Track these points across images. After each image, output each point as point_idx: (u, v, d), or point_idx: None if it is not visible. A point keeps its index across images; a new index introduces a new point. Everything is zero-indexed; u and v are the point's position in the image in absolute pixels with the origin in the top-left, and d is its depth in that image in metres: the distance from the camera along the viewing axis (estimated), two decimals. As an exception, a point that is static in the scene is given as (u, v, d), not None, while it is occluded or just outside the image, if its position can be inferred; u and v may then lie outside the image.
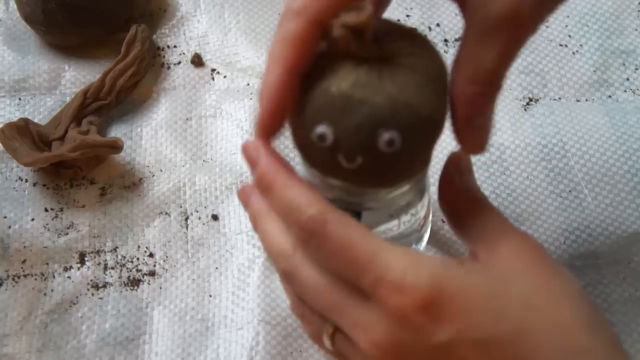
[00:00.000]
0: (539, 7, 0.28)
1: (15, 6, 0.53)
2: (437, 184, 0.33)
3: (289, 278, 0.30)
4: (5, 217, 0.46)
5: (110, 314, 0.43)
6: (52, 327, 0.43)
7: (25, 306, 0.43)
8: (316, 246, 0.28)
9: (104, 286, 0.44)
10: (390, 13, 0.46)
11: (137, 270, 0.45)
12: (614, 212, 0.45)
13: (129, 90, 0.51)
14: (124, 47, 0.51)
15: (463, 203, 0.31)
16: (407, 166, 0.29)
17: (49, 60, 0.53)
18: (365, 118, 0.26)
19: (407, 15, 0.54)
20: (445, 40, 0.53)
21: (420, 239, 0.38)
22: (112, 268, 0.45)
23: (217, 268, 0.45)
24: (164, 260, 0.45)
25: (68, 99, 0.51)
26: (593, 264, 0.43)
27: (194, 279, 0.44)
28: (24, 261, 0.45)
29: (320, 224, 0.27)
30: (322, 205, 0.27)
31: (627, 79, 0.51)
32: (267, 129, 0.29)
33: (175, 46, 0.53)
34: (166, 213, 0.46)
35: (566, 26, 0.53)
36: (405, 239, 0.36)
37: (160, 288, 0.44)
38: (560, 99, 0.50)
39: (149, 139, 0.49)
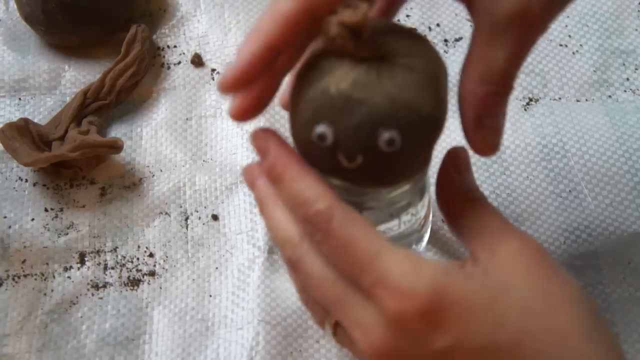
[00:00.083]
0: (548, 6, 0.28)
1: (15, 6, 0.53)
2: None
3: (294, 266, 0.30)
4: (5, 217, 0.46)
5: (110, 314, 0.43)
6: (52, 327, 0.43)
7: (25, 306, 0.43)
8: (321, 241, 0.28)
9: (104, 286, 0.44)
10: (390, 13, 0.46)
11: (137, 270, 0.45)
12: (614, 212, 0.45)
13: (129, 90, 0.51)
14: (124, 47, 0.51)
15: (462, 202, 0.31)
16: (407, 166, 0.29)
17: (49, 60, 0.53)
18: (365, 118, 0.26)
19: (407, 15, 0.54)
20: (445, 40, 0.53)
21: (420, 238, 0.38)
22: (112, 268, 0.45)
23: (217, 268, 0.45)
24: (164, 260, 0.45)
25: (68, 99, 0.51)
26: (593, 264, 0.43)
27: (194, 279, 0.44)
28: (24, 261, 0.45)
29: (326, 220, 0.27)
30: (330, 200, 0.27)
31: (627, 79, 0.51)
32: (226, 87, 0.28)
33: (175, 46, 0.53)
34: (166, 213, 0.46)
35: (566, 26, 0.53)
36: (406, 238, 0.36)
37: (160, 288, 0.44)
38: (560, 99, 0.50)
39: (149, 139, 0.49)
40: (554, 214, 0.45)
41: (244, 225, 0.46)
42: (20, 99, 0.51)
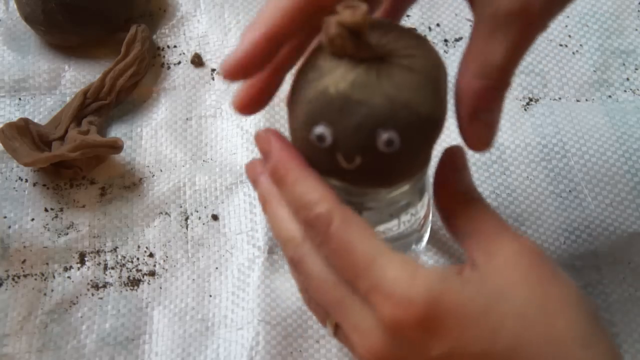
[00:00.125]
0: (548, 4, 0.28)
1: (15, 6, 0.53)
2: None
3: (296, 266, 0.30)
4: (5, 217, 0.46)
5: (110, 314, 0.43)
6: (52, 327, 0.43)
7: (25, 306, 0.43)
8: (320, 244, 0.28)
9: (104, 286, 0.44)
10: (390, 13, 0.46)
11: (137, 270, 0.45)
12: (614, 212, 0.45)
13: (129, 90, 0.51)
14: (124, 47, 0.51)
15: (458, 203, 0.31)
16: (407, 166, 0.29)
17: (49, 60, 0.53)
18: (364, 118, 0.26)
19: (407, 15, 0.54)
20: (445, 40, 0.53)
21: (420, 238, 0.38)
22: (112, 268, 0.45)
23: (217, 268, 0.45)
24: (164, 260, 0.45)
25: (68, 99, 0.51)
26: (593, 264, 0.43)
27: (194, 279, 0.44)
28: (24, 261, 0.45)
29: (325, 223, 0.27)
30: (330, 204, 0.27)
31: (627, 79, 0.51)
32: (227, 72, 0.28)
33: (175, 46, 0.53)
34: (166, 213, 0.46)
35: (566, 26, 0.53)
36: (405, 239, 0.36)
37: (160, 288, 0.44)
38: (560, 99, 0.50)
39: (149, 139, 0.49)
40: (554, 214, 0.45)
41: (244, 225, 0.46)
42: (20, 99, 0.51)
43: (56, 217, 0.46)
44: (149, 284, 0.44)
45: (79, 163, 0.47)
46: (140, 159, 0.49)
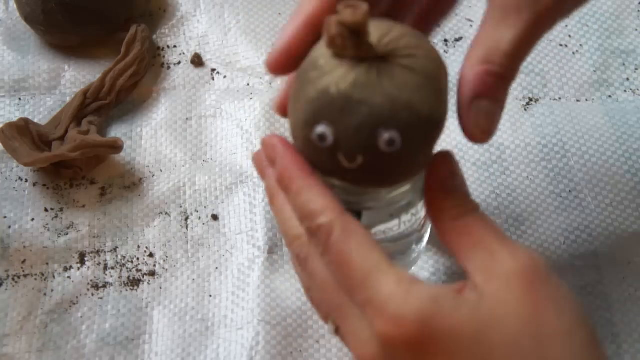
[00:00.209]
0: (559, 5, 0.28)
1: (15, 6, 0.53)
2: None
3: (301, 263, 0.30)
4: (5, 217, 0.46)
5: (110, 314, 0.43)
6: (52, 327, 0.43)
7: (25, 306, 0.43)
8: (322, 253, 0.28)
9: (104, 286, 0.44)
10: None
11: (137, 270, 0.45)
12: (614, 212, 0.45)
13: (129, 90, 0.51)
14: (124, 47, 0.51)
15: (452, 219, 0.29)
16: (408, 166, 0.29)
17: (49, 60, 0.53)
18: (365, 118, 0.26)
19: (407, 15, 0.54)
20: (445, 41, 0.53)
21: (420, 239, 0.38)
22: (112, 268, 0.45)
23: (217, 268, 0.45)
24: (164, 260, 0.45)
25: (68, 99, 0.51)
26: (593, 264, 0.43)
27: (194, 279, 0.44)
28: (24, 261, 0.45)
29: (326, 234, 0.27)
30: (333, 214, 0.28)
31: (627, 79, 0.51)
32: (274, 64, 0.29)
33: (175, 46, 0.53)
34: (166, 213, 0.46)
35: (566, 26, 0.53)
36: (406, 238, 0.36)
37: (160, 288, 0.44)
38: (560, 99, 0.50)
39: (149, 139, 0.49)
40: (554, 214, 0.45)
41: (244, 225, 0.46)
42: (20, 99, 0.51)
43: (56, 217, 0.46)
44: (149, 284, 0.44)
45: (79, 163, 0.47)
46: (140, 159, 0.49)
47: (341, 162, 0.27)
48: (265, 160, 0.31)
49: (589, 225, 0.45)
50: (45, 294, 0.44)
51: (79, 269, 0.45)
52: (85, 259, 0.45)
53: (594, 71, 0.51)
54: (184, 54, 0.53)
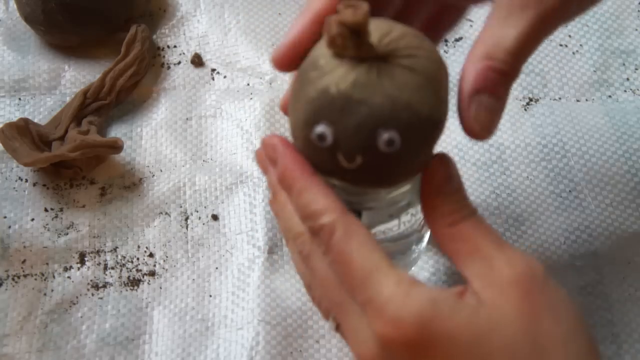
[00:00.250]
0: (564, 6, 0.28)
1: (15, 6, 0.53)
2: None
3: (304, 260, 0.30)
4: (5, 217, 0.46)
5: (110, 314, 0.43)
6: (52, 327, 0.43)
7: (25, 306, 0.43)
8: (324, 252, 0.28)
9: (104, 286, 0.44)
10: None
11: (137, 270, 0.45)
12: (614, 212, 0.45)
13: (129, 90, 0.51)
14: (124, 47, 0.51)
15: (450, 225, 0.29)
16: (407, 166, 0.29)
17: (49, 60, 0.53)
18: (364, 118, 0.26)
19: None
20: (446, 41, 0.53)
21: (420, 239, 0.38)
22: (112, 268, 0.45)
23: (217, 268, 0.45)
24: (164, 260, 0.45)
25: (68, 99, 0.51)
26: (593, 264, 0.43)
27: (194, 279, 0.44)
28: (24, 261, 0.45)
29: (328, 234, 0.28)
30: (334, 214, 0.28)
31: (627, 79, 0.51)
32: (279, 60, 0.30)
33: (175, 46, 0.53)
34: (166, 213, 0.46)
35: (566, 26, 0.53)
36: (406, 239, 0.36)
37: (160, 288, 0.44)
38: (560, 99, 0.50)
39: (149, 139, 0.49)
40: (554, 214, 0.45)
41: (244, 225, 0.46)
42: (20, 99, 0.51)
43: (56, 217, 0.46)
44: (149, 284, 0.44)
45: (79, 163, 0.47)
46: (140, 159, 0.49)
47: (340, 162, 0.27)
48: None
49: (589, 225, 0.45)
50: (45, 294, 0.44)
51: (79, 269, 0.45)
52: (85, 259, 0.45)
53: (594, 71, 0.51)
54: (184, 54, 0.53)
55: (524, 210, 0.45)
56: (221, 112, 0.50)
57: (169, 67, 0.52)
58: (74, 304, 0.43)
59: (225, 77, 0.52)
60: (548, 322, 0.26)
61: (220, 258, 0.45)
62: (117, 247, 0.45)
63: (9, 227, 0.46)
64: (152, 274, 0.44)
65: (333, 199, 0.28)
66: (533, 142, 0.48)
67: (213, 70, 0.52)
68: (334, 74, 0.27)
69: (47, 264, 0.45)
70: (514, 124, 0.49)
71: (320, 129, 0.27)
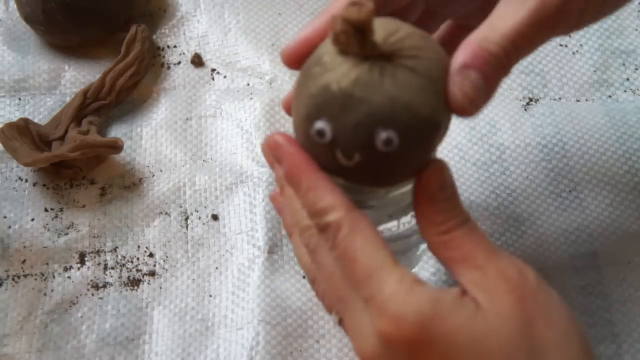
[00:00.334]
0: (563, 6, 0.28)
1: (15, 6, 0.53)
2: None
3: (310, 254, 0.31)
4: (5, 217, 0.46)
5: (110, 314, 0.43)
6: (52, 327, 0.43)
7: (25, 306, 0.43)
8: (330, 248, 0.29)
9: (104, 286, 0.44)
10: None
11: (137, 270, 0.45)
12: (614, 212, 0.45)
13: (129, 90, 0.51)
14: (124, 47, 0.51)
15: (443, 227, 0.29)
16: (406, 166, 0.29)
17: (49, 60, 0.53)
18: (363, 116, 0.26)
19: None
20: (445, 40, 0.53)
21: (420, 240, 0.38)
22: (112, 268, 0.45)
23: (217, 268, 0.45)
24: (164, 260, 0.45)
25: (68, 99, 0.51)
26: (593, 264, 0.43)
27: (194, 279, 0.44)
28: (24, 261, 0.45)
29: (334, 232, 0.28)
30: (341, 212, 0.28)
31: (627, 79, 0.51)
32: (288, 55, 0.30)
33: (175, 46, 0.53)
34: (166, 213, 0.46)
35: (566, 26, 0.53)
36: (406, 239, 0.36)
37: (160, 288, 0.44)
38: (560, 99, 0.50)
39: (149, 139, 0.49)
40: (554, 214, 0.45)
41: (244, 225, 0.46)
42: (20, 99, 0.51)
43: (56, 217, 0.46)
44: (149, 284, 0.44)
45: (79, 163, 0.47)
46: (140, 159, 0.49)
47: (339, 160, 0.27)
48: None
49: (589, 225, 0.45)
50: (45, 294, 0.44)
51: (79, 269, 0.45)
52: (85, 259, 0.45)
53: (594, 71, 0.51)
54: (184, 54, 0.53)
55: (524, 210, 0.45)
56: (221, 112, 0.50)
57: (169, 67, 0.52)
58: (74, 304, 0.43)
59: (225, 77, 0.52)
60: (542, 326, 0.27)
61: (220, 258, 0.45)
62: (117, 247, 0.45)
63: (9, 227, 0.46)
64: (152, 274, 0.44)
65: (339, 196, 0.28)
66: (533, 142, 0.48)
67: (213, 70, 0.52)
68: (336, 70, 0.27)
69: (47, 264, 0.45)
70: (514, 124, 0.49)
71: (320, 124, 0.27)
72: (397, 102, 0.26)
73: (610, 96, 0.50)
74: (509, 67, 0.28)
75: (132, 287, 0.44)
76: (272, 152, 0.30)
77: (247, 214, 0.46)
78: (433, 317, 0.26)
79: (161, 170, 0.48)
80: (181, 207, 0.47)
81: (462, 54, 0.27)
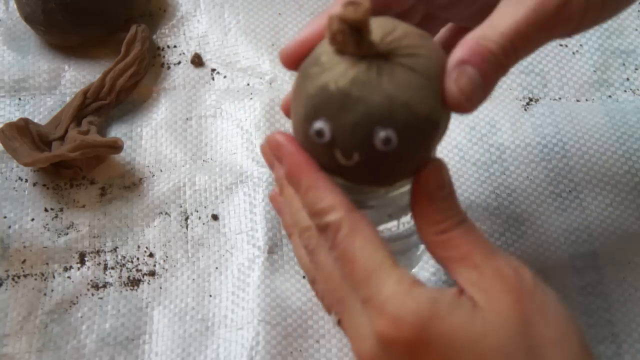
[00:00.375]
0: (563, 8, 0.28)
1: (15, 6, 0.53)
2: None
3: (309, 254, 0.31)
4: (5, 217, 0.46)
5: (110, 314, 0.43)
6: (52, 327, 0.43)
7: (25, 306, 0.43)
8: (329, 248, 0.29)
9: (104, 286, 0.44)
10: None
11: (137, 270, 0.45)
12: (614, 212, 0.45)
13: (129, 90, 0.51)
14: (124, 47, 0.51)
15: (441, 232, 0.29)
16: (405, 165, 0.28)
17: (49, 60, 0.53)
18: (362, 116, 0.26)
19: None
20: (445, 40, 0.53)
21: (420, 240, 0.38)
22: (112, 268, 0.45)
23: (217, 268, 0.45)
24: (164, 260, 0.45)
25: (68, 99, 0.51)
26: (593, 264, 0.43)
27: (194, 279, 0.44)
28: (24, 261, 0.45)
29: (334, 232, 0.28)
30: (341, 212, 0.28)
31: (627, 79, 0.51)
32: (287, 56, 0.30)
33: (175, 46, 0.53)
34: (166, 213, 0.46)
35: (566, 26, 0.53)
36: (405, 239, 0.36)
37: (160, 288, 0.44)
38: (560, 99, 0.50)
39: (149, 139, 0.49)
40: (554, 214, 0.45)
41: (244, 225, 0.46)
42: (20, 99, 0.51)
43: (56, 217, 0.46)
44: (149, 284, 0.44)
45: (79, 163, 0.47)
46: (140, 159, 0.49)
47: (338, 159, 0.27)
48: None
49: (589, 226, 0.45)
50: (45, 294, 0.44)
51: (79, 269, 0.45)
52: (85, 259, 0.45)
53: (594, 71, 0.51)
54: (184, 54, 0.53)
55: (524, 210, 0.45)
56: (221, 112, 0.50)
57: (169, 67, 0.52)
58: (74, 304, 0.43)
59: (225, 77, 0.52)
60: (540, 324, 0.27)
61: (220, 258, 0.45)
62: (117, 247, 0.45)
63: (9, 227, 0.46)
64: (152, 274, 0.44)
65: (339, 196, 0.28)
66: (533, 142, 0.48)
67: (213, 70, 0.52)
68: (334, 70, 0.27)
69: (47, 264, 0.45)
70: (514, 124, 0.49)
71: (319, 125, 0.27)
72: (395, 101, 0.26)
73: (610, 96, 0.50)
74: (507, 66, 0.28)
75: (132, 287, 0.44)
76: (273, 151, 0.30)
77: (247, 214, 0.46)
78: (431, 317, 0.26)
79: (161, 170, 0.48)
80: (181, 207, 0.47)
81: (460, 50, 0.27)
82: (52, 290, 0.44)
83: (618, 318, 0.42)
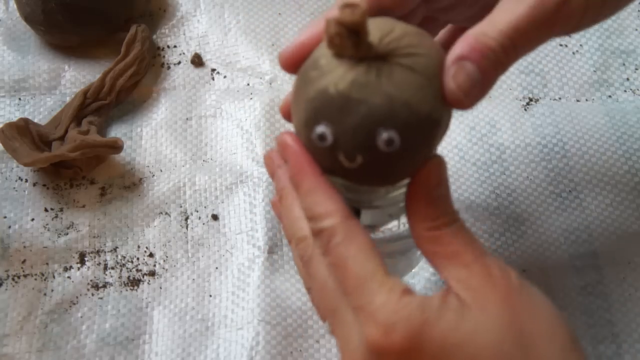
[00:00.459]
0: (563, 6, 0.28)
1: (15, 6, 0.53)
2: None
3: (304, 265, 0.31)
4: (5, 217, 0.46)
5: (110, 314, 0.43)
6: (52, 327, 0.43)
7: (25, 306, 0.43)
8: (323, 254, 0.29)
9: (104, 286, 0.44)
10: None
11: (137, 270, 0.45)
12: (614, 212, 0.45)
13: (129, 90, 0.51)
14: (124, 47, 0.51)
15: (434, 223, 0.29)
16: (407, 164, 0.29)
17: (49, 60, 0.53)
18: (363, 118, 0.26)
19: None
20: (445, 40, 0.53)
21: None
22: (112, 268, 0.45)
23: (217, 268, 0.45)
24: (164, 260, 0.45)
25: (68, 99, 0.51)
26: (593, 264, 0.43)
27: (194, 279, 0.44)
28: (24, 261, 0.45)
29: (328, 237, 0.28)
30: (337, 219, 0.28)
31: (627, 79, 0.51)
32: (286, 59, 0.30)
33: (175, 46, 0.53)
34: (166, 213, 0.46)
35: (566, 26, 0.53)
36: (406, 239, 0.36)
37: (160, 288, 0.44)
38: (560, 99, 0.50)
39: (149, 139, 0.49)
40: (554, 214, 0.45)
41: (244, 225, 0.46)
42: (20, 99, 0.51)
43: (56, 217, 0.46)
44: (149, 284, 0.44)
45: (79, 163, 0.47)
46: (140, 159, 0.49)
47: (341, 162, 0.27)
48: (276, 161, 0.32)
49: (589, 226, 0.45)
50: (45, 294, 0.44)
51: (79, 269, 0.45)
52: (85, 259, 0.45)
53: (594, 71, 0.51)
54: (184, 54, 0.53)
55: (524, 210, 0.45)
56: (221, 112, 0.50)
57: (169, 67, 0.53)
58: (74, 304, 0.43)
59: (225, 77, 0.52)
60: (529, 321, 0.27)
61: (220, 258, 0.45)
62: (117, 247, 0.45)
63: (9, 227, 0.46)
64: (152, 274, 0.44)
65: (337, 203, 0.28)
66: (533, 142, 0.48)
67: (213, 70, 0.52)
68: (333, 74, 0.27)
69: (47, 264, 0.45)
70: (514, 124, 0.49)
71: (321, 129, 0.27)
72: (395, 101, 0.26)
73: (610, 96, 0.50)
74: (507, 64, 0.28)
75: (132, 287, 0.44)
76: (281, 150, 0.30)
77: (247, 214, 0.46)
78: (422, 324, 0.26)
79: (161, 170, 0.48)
80: (181, 207, 0.47)
81: (459, 46, 0.27)
82: (52, 290, 0.44)
83: (618, 318, 0.42)
